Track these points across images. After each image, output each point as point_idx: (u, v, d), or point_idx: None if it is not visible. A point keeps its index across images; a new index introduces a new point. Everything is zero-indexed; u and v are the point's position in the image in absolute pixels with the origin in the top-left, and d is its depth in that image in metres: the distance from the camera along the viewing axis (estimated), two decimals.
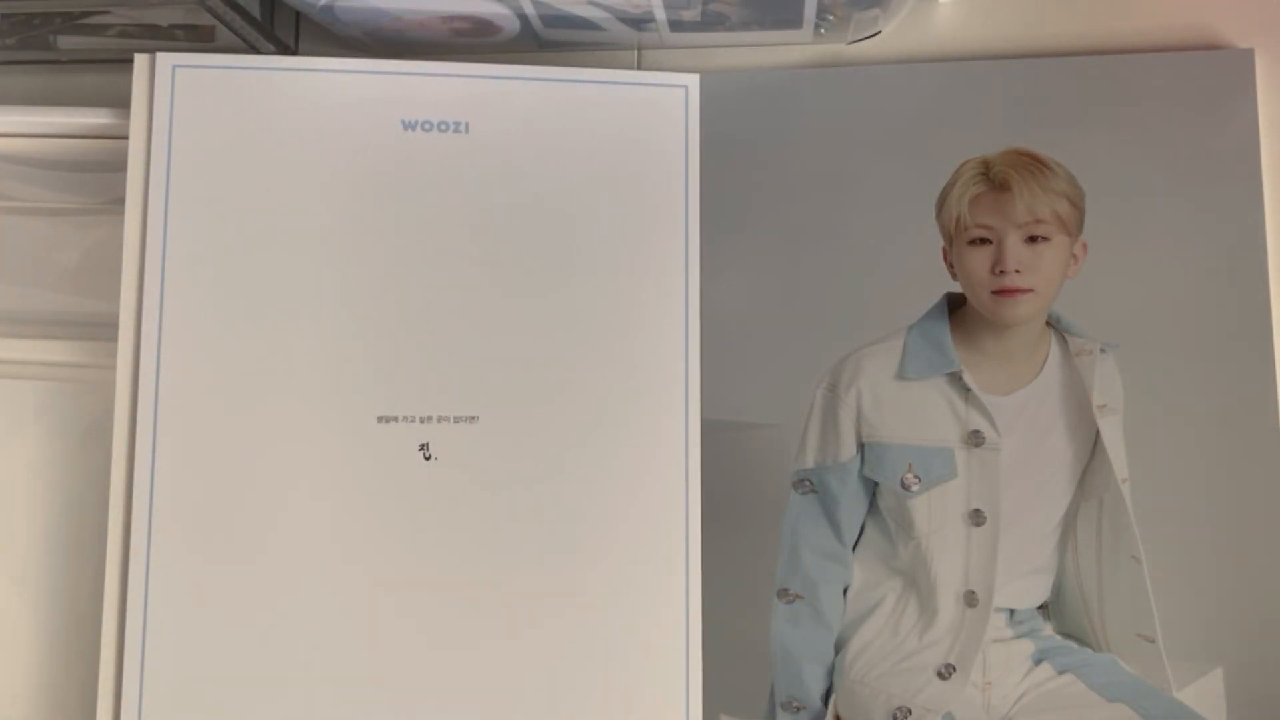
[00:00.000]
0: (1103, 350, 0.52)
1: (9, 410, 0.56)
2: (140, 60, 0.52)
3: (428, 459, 0.51)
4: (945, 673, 0.51)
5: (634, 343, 0.52)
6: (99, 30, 0.55)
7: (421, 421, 0.51)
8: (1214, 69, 0.52)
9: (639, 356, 0.52)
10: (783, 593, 0.52)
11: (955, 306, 0.54)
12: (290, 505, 0.50)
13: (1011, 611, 0.52)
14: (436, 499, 0.51)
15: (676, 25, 0.53)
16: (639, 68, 0.57)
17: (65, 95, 0.57)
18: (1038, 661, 0.52)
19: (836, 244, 0.53)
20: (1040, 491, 0.52)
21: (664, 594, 0.51)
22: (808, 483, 0.53)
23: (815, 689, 0.52)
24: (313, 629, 0.50)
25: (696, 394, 0.52)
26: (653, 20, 0.52)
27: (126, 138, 0.52)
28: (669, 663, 0.50)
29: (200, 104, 0.52)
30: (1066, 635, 0.53)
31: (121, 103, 0.53)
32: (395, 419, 0.51)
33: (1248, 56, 0.52)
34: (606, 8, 0.51)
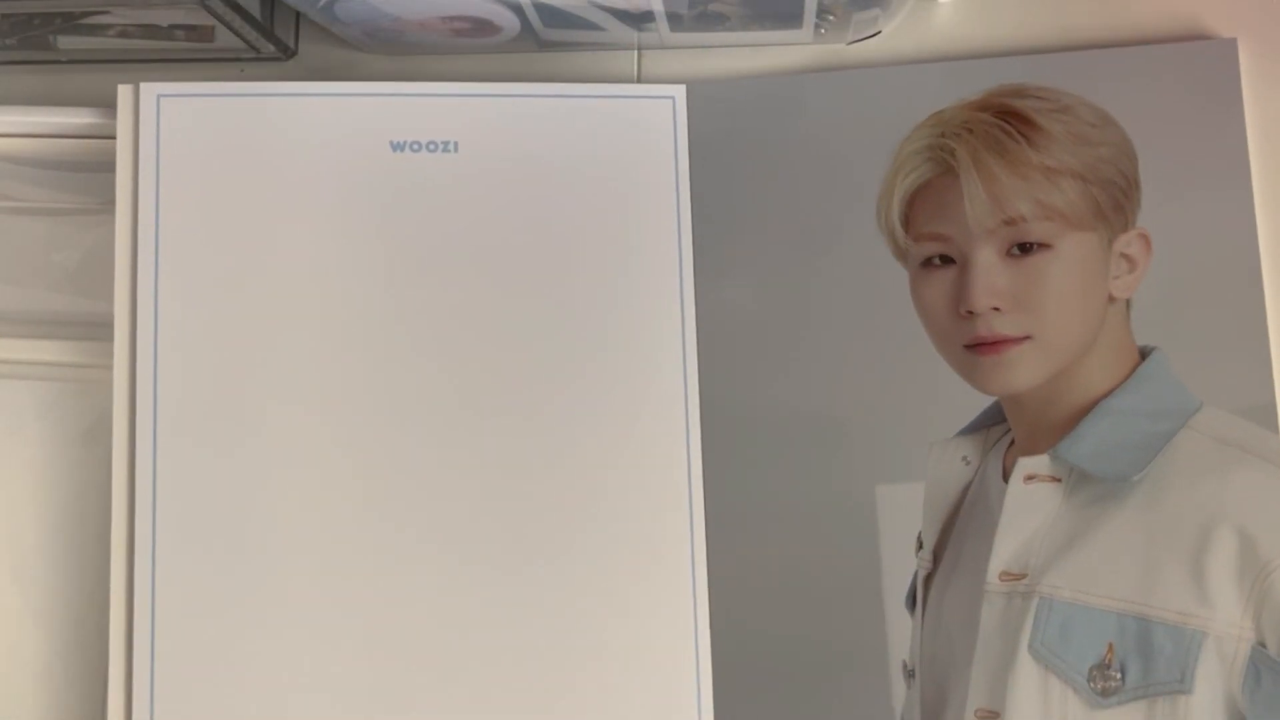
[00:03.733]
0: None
1: (9, 410, 0.56)
2: (124, 91, 0.52)
3: (425, 469, 0.51)
4: None
5: (630, 355, 0.52)
6: (99, 30, 0.55)
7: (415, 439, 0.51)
8: (1198, 60, 0.51)
9: (636, 368, 0.52)
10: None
11: None
12: (293, 505, 0.51)
13: None
14: (438, 498, 0.51)
15: (676, 25, 0.53)
16: (639, 67, 0.57)
17: (65, 95, 0.57)
18: None
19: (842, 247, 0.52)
20: None
21: (670, 594, 0.51)
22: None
23: None
24: (319, 626, 0.50)
25: (695, 402, 0.52)
26: (653, 20, 0.52)
27: None
28: (678, 663, 0.50)
29: (186, 132, 0.52)
30: None
31: None
32: (386, 427, 0.51)
33: (1231, 46, 0.52)
34: (606, 7, 0.51)
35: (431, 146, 0.53)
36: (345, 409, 0.51)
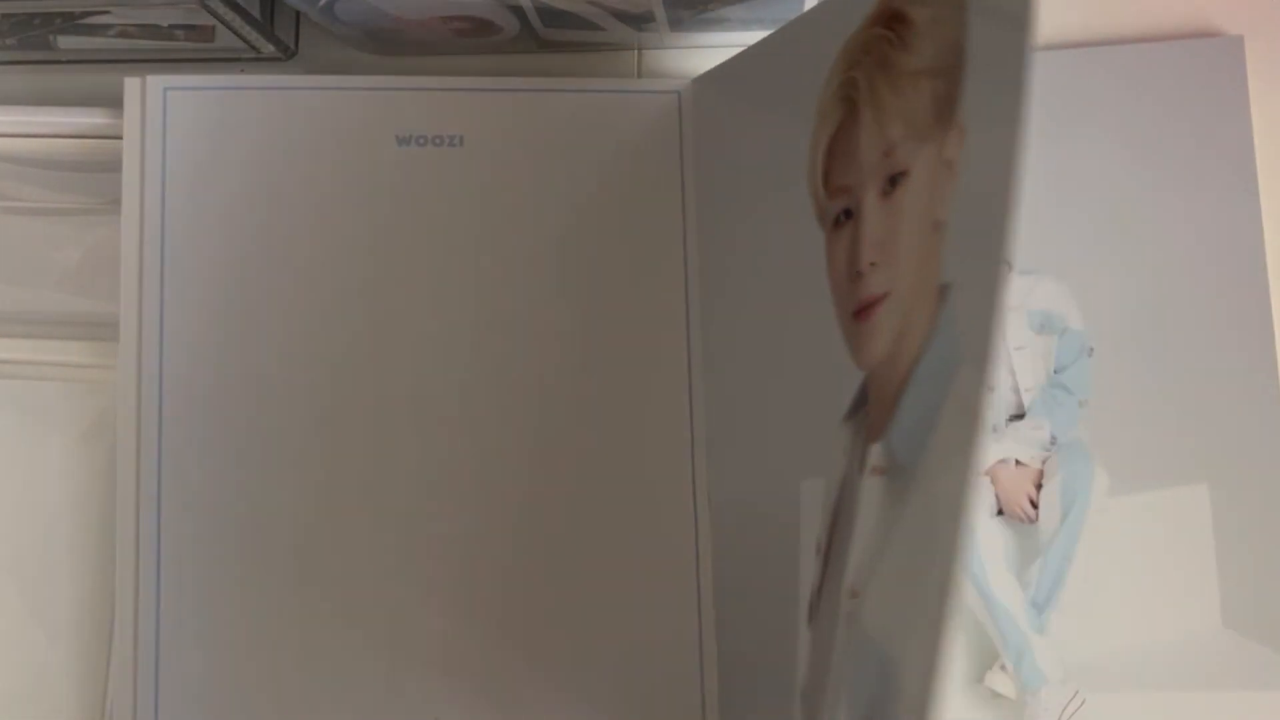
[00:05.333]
0: None
1: (9, 410, 0.56)
2: (131, 84, 0.52)
3: (431, 465, 0.51)
4: None
5: (636, 350, 0.52)
6: (99, 30, 0.55)
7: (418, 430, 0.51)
8: (1204, 58, 0.51)
9: (641, 364, 0.52)
10: None
11: None
12: (298, 502, 0.51)
13: None
14: (444, 494, 0.51)
15: (676, 25, 0.53)
16: (639, 67, 0.57)
17: (65, 95, 0.57)
18: None
19: None
20: None
21: (677, 596, 0.51)
22: None
23: None
24: (325, 624, 0.50)
25: (701, 398, 0.52)
26: (653, 20, 0.52)
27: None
28: (685, 652, 0.50)
29: (193, 125, 0.52)
30: None
31: (121, 103, 0.53)
32: (391, 426, 0.51)
33: (1238, 44, 0.52)
34: (606, 7, 0.51)
35: (437, 141, 0.53)
36: (351, 404, 0.51)
